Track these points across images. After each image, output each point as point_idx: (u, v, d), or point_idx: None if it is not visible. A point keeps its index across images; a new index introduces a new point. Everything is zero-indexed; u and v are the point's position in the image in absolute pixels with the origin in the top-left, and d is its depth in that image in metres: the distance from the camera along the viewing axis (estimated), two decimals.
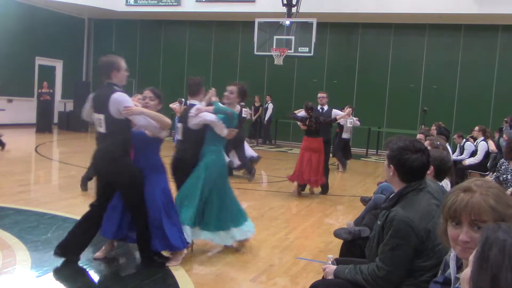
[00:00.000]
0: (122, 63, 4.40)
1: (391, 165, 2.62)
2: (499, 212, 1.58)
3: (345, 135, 11.47)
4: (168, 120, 4.29)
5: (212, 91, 5.07)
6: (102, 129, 4.20)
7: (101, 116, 4.16)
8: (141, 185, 4.27)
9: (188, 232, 4.50)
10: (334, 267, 2.72)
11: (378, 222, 2.63)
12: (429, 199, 2.55)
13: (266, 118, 16.37)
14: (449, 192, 1.72)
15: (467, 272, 1.29)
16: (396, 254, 2.43)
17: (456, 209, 1.62)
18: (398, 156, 2.57)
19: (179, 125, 4.99)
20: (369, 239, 2.82)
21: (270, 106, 16.40)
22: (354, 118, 11.12)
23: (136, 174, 4.27)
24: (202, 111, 4.74)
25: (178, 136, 5.04)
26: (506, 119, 10.74)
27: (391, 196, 2.68)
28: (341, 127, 11.35)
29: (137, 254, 4.81)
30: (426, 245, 2.43)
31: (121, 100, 4.13)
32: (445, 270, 1.94)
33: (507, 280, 1.14)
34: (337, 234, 3.56)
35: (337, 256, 3.49)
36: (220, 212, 4.71)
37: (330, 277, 2.69)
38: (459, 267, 1.79)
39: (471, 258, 1.28)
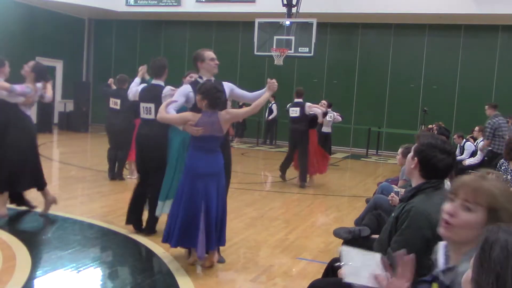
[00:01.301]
0: (207, 53, 4.67)
1: (415, 158, 2.62)
2: (498, 202, 1.59)
3: (324, 129, 11.39)
4: (163, 115, 4.27)
5: (144, 67, 5.81)
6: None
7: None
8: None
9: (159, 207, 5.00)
10: None
11: (393, 214, 2.64)
12: (445, 199, 2.56)
13: (270, 117, 16.16)
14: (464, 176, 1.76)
15: (468, 274, 1.29)
16: (409, 243, 2.43)
17: (458, 184, 1.68)
18: (425, 151, 2.57)
19: (146, 105, 5.21)
20: (381, 232, 2.83)
21: (274, 107, 16.23)
22: (335, 113, 11.24)
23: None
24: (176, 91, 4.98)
25: (148, 115, 5.21)
26: (508, 119, 10.70)
27: (409, 189, 2.70)
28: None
29: (137, 255, 4.82)
30: (437, 241, 2.44)
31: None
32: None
33: None
34: (336, 233, 3.56)
35: (336, 256, 3.48)
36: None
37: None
38: (447, 262, 1.79)
39: (472, 260, 1.27)
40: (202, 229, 4.18)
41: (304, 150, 8.95)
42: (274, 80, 4.48)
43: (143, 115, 5.26)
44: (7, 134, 5.44)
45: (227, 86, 4.71)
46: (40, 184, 5.73)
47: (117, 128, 8.15)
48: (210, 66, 4.59)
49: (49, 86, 5.72)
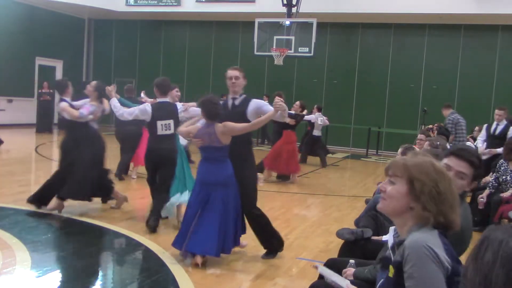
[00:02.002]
0: (227, 73, 4.74)
1: None
2: (410, 172, 1.85)
3: (316, 132, 11.81)
4: (180, 129, 4.76)
5: (113, 87, 5.96)
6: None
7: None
8: None
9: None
10: (354, 269, 2.74)
11: None
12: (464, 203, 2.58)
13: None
14: None
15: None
16: None
17: (386, 166, 1.95)
18: None
19: (164, 122, 5.63)
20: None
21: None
22: (324, 117, 11.79)
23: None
24: (190, 106, 5.77)
25: (168, 131, 5.66)
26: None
27: None
28: (312, 125, 11.70)
29: (137, 254, 4.82)
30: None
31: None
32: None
33: (498, 280, 1.15)
34: (339, 234, 3.54)
35: (335, 256, 3.48)
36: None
37: (350, 278, 2.70)
38: (394, 247, 1.92)
39: (468, 255, 1.28)
40: (190, 231, 4.33)
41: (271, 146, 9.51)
42: (278, 100, 4.40)
43: (162, 131, 5.60)
44: (80, 149, 5.96)
45: (254, 103, 4.67)
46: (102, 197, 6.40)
47: (130, 135, 8.45)
48: (228, 85, 4.73)
49: (105, 100, 6.30)
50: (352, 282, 2.60)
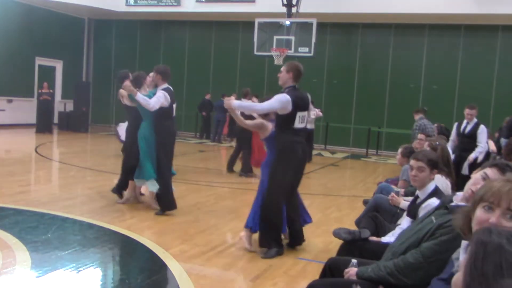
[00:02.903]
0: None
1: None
2: None
3: (308, 126, 11.83)
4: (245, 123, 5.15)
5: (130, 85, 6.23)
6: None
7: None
8: None
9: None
10: (356, 269, 2.73)
11: (433, 218, 2.58)
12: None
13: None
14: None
15: (458, 276, 1.26)
16: (442, 257, 2.38)
17: (496, 192, 1.58)
18: None
19: (175, 105, 6.39)
20: (404, 232, 2.80)
21: None
22: (317, 110, 11.81)
23: None
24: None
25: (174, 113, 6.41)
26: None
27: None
28: None
29: (137, 254, 4.82)
30: None
31: None
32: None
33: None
34: (336, 233, 3.52)
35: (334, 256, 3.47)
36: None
37: (353, 278, 2.70)
38: None
39: (464, 262, 1.25)
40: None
41: (244, 145, 9.61)
42: (225, 98, 4.91)
43: (175, 113, 6.40)
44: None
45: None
46: None
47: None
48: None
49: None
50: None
